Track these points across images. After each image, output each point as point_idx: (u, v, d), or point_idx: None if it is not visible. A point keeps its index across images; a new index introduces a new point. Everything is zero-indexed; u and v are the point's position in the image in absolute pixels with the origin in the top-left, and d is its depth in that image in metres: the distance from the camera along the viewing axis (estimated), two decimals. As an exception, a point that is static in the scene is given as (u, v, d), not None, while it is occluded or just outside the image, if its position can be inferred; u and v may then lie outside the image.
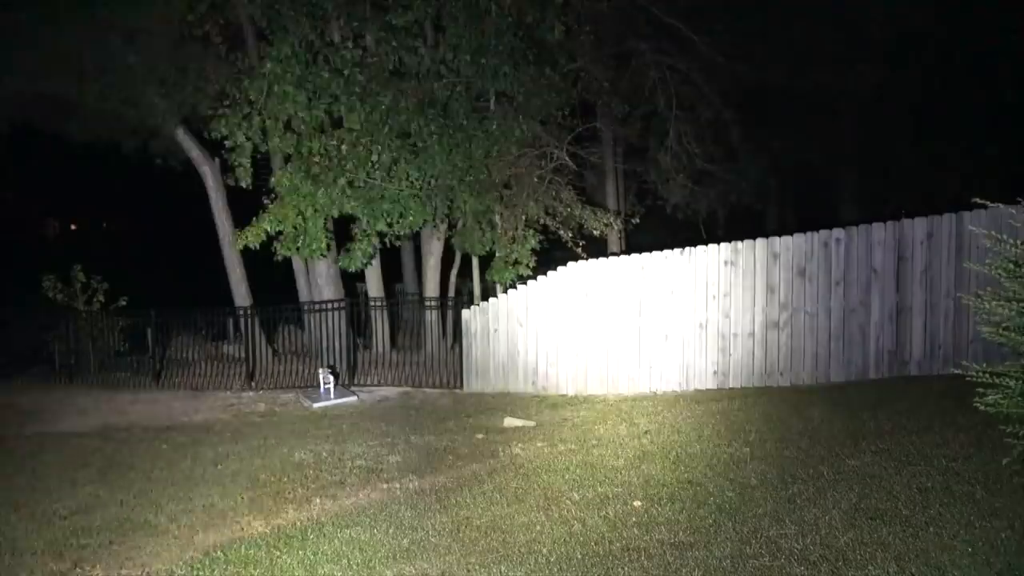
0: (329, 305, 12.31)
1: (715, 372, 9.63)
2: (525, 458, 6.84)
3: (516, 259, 11.26)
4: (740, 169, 14.62)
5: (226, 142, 11.77)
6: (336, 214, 11.81)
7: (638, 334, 9.92)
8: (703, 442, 6.74)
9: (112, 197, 30.99)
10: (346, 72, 11.40)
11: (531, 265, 11.25)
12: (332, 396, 10.33)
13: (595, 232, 11.90)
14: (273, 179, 12.03)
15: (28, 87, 12.34)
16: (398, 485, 6.23)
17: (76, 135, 14.57)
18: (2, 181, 23.51)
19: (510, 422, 8.37)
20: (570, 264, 10.27)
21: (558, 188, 11.47)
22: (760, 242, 9.45)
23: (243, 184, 12.06)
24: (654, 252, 9.89)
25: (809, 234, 9.28)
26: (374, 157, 11.29)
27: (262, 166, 12.96)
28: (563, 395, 10.06)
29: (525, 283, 10.64)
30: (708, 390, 9.51)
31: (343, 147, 11.27)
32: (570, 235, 11.30)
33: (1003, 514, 4.43)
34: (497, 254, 11.62)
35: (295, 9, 11.72)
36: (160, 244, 29.06)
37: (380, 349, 13.40)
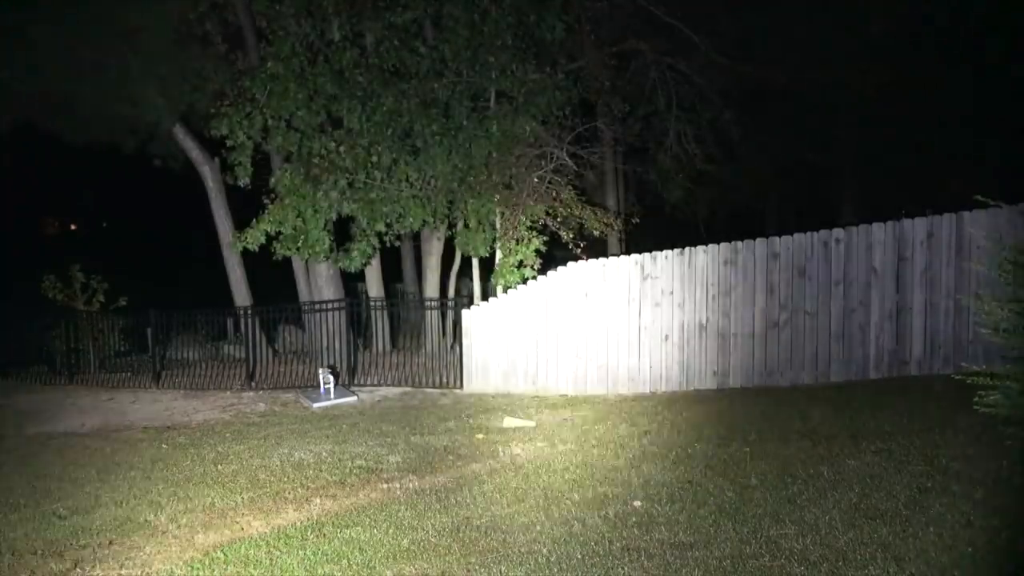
0: (329, 305, 12.30)
1: (715, 372, 9.62)
2: (525, 458, 6.84)
3: (521, 261, 11.24)
4: (740, 169, 14.61)
5: (227, 141, 11.78)
6: (335, 216, 11.82)
7: (638, 334, 9.92)
8: (703, 442, 6.74)
9: (112, 197, 30.96)
10: (346, 73, 11.41)
11: (536, 267, 11.23)
12: (332, 396, 10.33)
13: (595, 232, 11.90)
14: (273, 179, 12.03)
15: (28, 87, 12.33)
16: (398, 485, 6.22)
17: (76, 135, 14.57)
18: (2, 181, 23.51)
19: (510, 422, 8.37)
20: (570, 264, 10.27)
21: (558, 188, 11.46)
22: (760, 242, 9.46)
23: (241, 183, 12.05)
24: (654, 252, 9.89)
25: (809, 234, 9.28)
26: (374, 158, 11.28)
27: (262, 166, 12.97)
28: (563, 395, 10.06)
29: (526, 283, 10.64)
30: (708, 390, 9.51)
31: (342, 148, 11.27)
32: (570, 235, 11.30)
33: (1003, 514, 4.43)
34: (499, 256, 11.60)
35: (295, 8, 11.73)
36: (160, 244, 29.04)
37: (380, 349, 13.40)
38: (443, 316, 13.32)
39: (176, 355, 13.60)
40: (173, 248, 27.62)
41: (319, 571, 4.58)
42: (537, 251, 11.29)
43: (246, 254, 13.18)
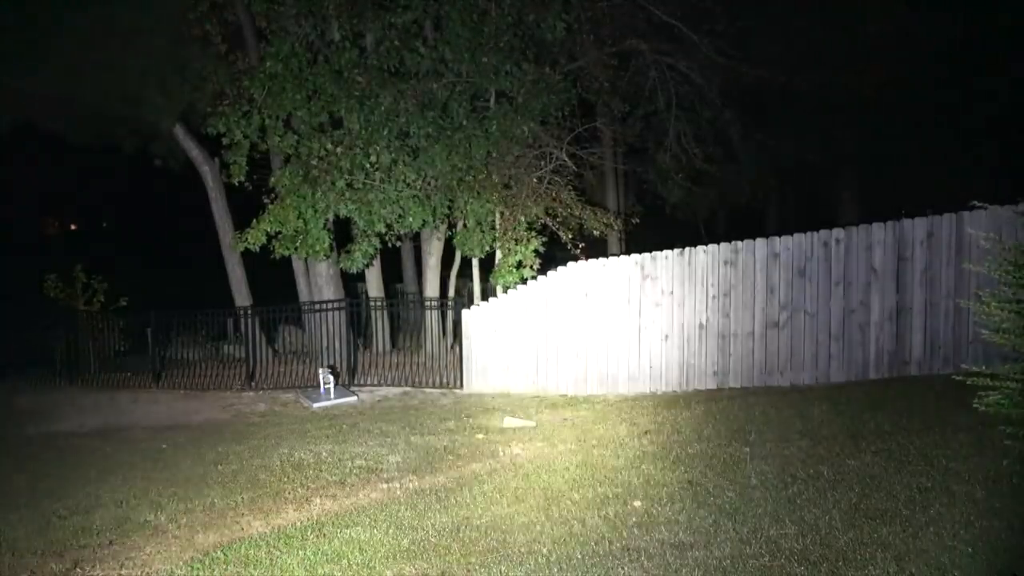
0: (329, 305, 12.31)
1: (715, 372, 9.63)
2: (525, 458, 6.84)
3: (520, 261, 11.25)
4: (740, 169, 14.62)
5: (223, 139, 11.78)
6: (335, 216, 11.81)
7: (638, 334, 9.92)
8: (703, 442, 6.74)
9: (112, 197, 31.00)
10: (345, 73, 11.40)
11: (535, 267, 11.24)
12: (332, 396, 10.33)
13: (595, 232, 11.90)
14: (273, 179, 12.03)
15: (28, 87, 12.33)
16: (398, 485, 6.23)
17: (76, 135, 14.57)
18: (2, 181, 23.55)
19: (510, 422, 8.38)
20: (570, 264, 10.27)
21: (557, 188, 11.45)
22: (760, 242, 9.45)
23: (236, 182, 12.06)
24: (654, 252, 9.89)
25: (809, 234, 9.28)
26: (373, 158, 11.28)
27: (262, 165, 12.97)
28: (563, 395, 10.06)
29: (526, 283, 10.64)
30: (708, 390, 9.51)
31: (340, 149, 11.27)
32: (570, 236, 11.30)
33: (1003, 514, 4.43)
34: (498, 256, 11.60)
35: (296, 8, 11.72)
36: (160, 244, 29.07)
37: (380, 349, 13.40)
38: (443, 316, 13.32)
39: (176, 355, 13.60)
40: (173, 248, 27.64)
41: (319, 571, 4.58)
42: (536, 251, 11.30)
43: (246, 254, 13.19)
